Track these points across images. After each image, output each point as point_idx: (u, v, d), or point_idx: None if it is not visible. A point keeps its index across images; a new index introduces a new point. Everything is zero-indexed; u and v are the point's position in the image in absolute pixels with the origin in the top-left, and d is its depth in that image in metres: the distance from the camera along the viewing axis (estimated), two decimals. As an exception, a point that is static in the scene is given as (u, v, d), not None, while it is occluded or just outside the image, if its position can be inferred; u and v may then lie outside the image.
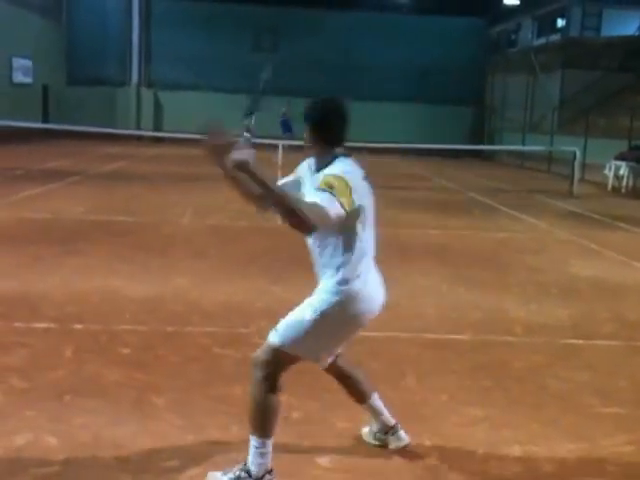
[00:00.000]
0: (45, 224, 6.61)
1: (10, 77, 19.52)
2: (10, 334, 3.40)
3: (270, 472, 2.06)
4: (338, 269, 1.98)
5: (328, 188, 1.85)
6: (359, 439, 2.44)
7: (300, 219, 1.75)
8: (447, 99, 23.24)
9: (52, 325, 3.56)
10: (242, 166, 1.76)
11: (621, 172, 12.83)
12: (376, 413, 2.36)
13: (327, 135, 2.00)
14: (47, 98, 21.88)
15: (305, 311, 2.00)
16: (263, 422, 2.02)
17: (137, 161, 14.75)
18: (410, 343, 3.59)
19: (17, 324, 3.55)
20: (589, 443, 2.53)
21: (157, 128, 22.48)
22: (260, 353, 2.04)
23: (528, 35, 23.05)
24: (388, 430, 2.37)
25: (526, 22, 23.22)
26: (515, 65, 22.15)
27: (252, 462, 2.05)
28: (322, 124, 1.99)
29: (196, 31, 22.85)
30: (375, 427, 2.39)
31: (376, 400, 2.35)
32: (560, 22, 21.60)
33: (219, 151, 1.83)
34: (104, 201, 8.36)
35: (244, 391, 2.31)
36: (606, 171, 13.23)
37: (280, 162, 9.87)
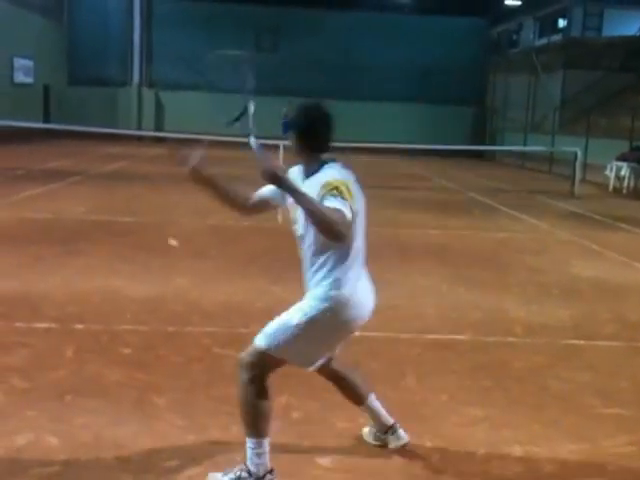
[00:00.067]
0: (46, 224, 6.62)
1: (11, 77, 19.55)
2: (11, 334, 3.40)
3: (271, 472, 2.07)
4: (329, 275, 1.99)
5: (338, 193, 1.86)
6: (359, 439, 2.44)
7: (330, 226, 1.78)
8: (448, 99, 23.23)
9: (53, 325, 3.57)
10: (275, 179, 1.77)
11: (622, 173, 12.81)
12: (374, 413, 2.36)
13: (313, 143, 2.01)
14: (48, 98, 21.90)
15: (294, 316, 2.00)
16: (255, 424, 2.03)
17: (138, 161, 14.77)
18: (410, 343, 3.59)
19: (18, 324, 3.55)
20: (590, 444, 2.53)
21: (158, 128, 22.50)
22: (246, 355, 2.04)
23: (529, 35, 23.04)
24: (387, 430, 2.37)
25: (527, 22, 23.21)
26: (516, 65, 22.15)
27: (250, 463, 2.05)
28: (308, 132, 2.00)
29: (197, 31, 22.86)
30: (374, 427, 2.39)
31: (373, 401, 2.35)
32: (562, 22, 21.60)
33: (186, 164, 1.98)
34: (105, 201, 8.37)
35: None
36: (607, 172, 13.22)
37: (281, 162, 9.88)
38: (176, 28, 22.91)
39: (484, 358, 3.42)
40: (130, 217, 7.26)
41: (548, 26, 22.11)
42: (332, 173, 1.96)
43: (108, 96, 22.77)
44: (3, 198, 7.88)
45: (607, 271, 5.72)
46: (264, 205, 2.20)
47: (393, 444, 2.37)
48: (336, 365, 2.27)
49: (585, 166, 13.34)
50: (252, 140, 1.94)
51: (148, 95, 23.61)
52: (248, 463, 2.06)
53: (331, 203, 1.82)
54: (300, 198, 1.80)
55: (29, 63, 20.46)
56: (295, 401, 2.71)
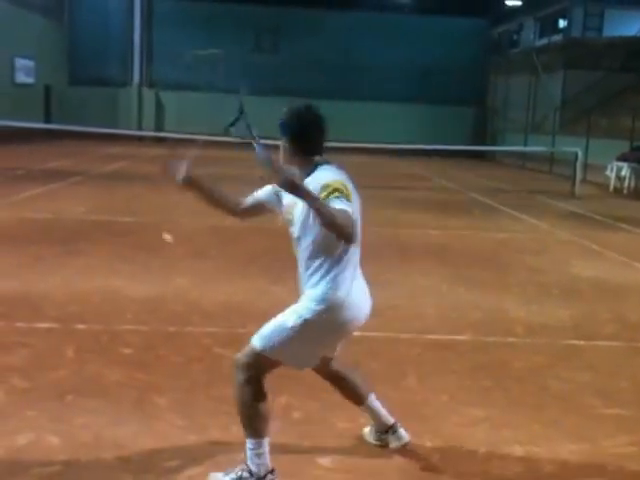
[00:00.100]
0: (46, 224, 6.63)
1: (12, 77, 19.56)
2: (11, 334, 3.40)
3: (272, 472, 2.07)
4: (324, 277, 1.99)
5: (340, 194, 1.86)
6: (360, 439, 2.45)
7: (343, 229, 1.78)
8: (448, 99, 23.22)
9: (53, 325, 3.57)
10: (294, 187, 1.78)
11: (623, 173, 12.81)
12: (374, 413, 2.36)
13: (306, 146, 2.01)
14: (49, 98, 21.91)
15: (289, 318, 2.01)
16: (253, 424, 2.03)
17: (138, 161, 14.77)
18: (410, 343, 3.59)
19: (18, 324, 3.56)
20: (590, 444, 2.53)
21: (159, 128, 22.51)
22: (241, 356, 2.05)
23: (530, 36, 23.04)
24: (388, 429, 2.37)
25: (528, 23, 23.21)
26: (517, 65, 22.14)
27: (251, 463, 2.06)
28: (301, 135, 2.00)
29: (197, 31, 22.85)
30: (375, 427, 2.40)
31: (373, 401, 2.35)
32: (562, 22, 21.59)
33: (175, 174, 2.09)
34: (105, 201, 8.37)
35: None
36: (608, 172, 13.22)
37: (282, 163, 9.87)
38: (177, 28, 22.90)
39: (484, 358, 3.42)
40: (130, 217, 7.26)
41: (549, 26, 22.11)
42: (328, 175, 1.95)
43: (109, 96, 22.78)
44: (3, 198, 7.88)
45: (607, 271, 5.72)
46: (259, 209, 2.22)
47: (394, 444, 2.37)
48: (336, 365, 2.27)
49: (586, 166, 13.33)
50: (258, 149, 1.94)
51: (148, 95, 23.61)
52: (249, 463, 2.06)
53: (337, 206, 1.82)
54: (315, 203, 1.80)
55: (30, 63, 20.46)
56: (295, 401, 2.71)
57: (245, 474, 2.06)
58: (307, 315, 1.98)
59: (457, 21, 23.39)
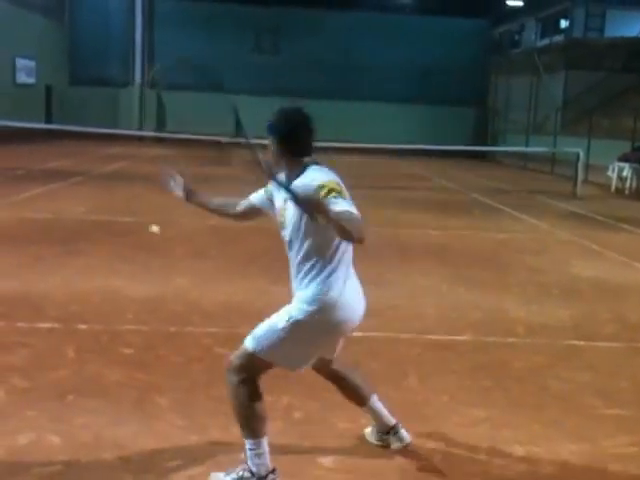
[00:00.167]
0: (46, 224, 6.63)
1: (13, 77, 19.58)
2: (12, 334, 3.41)
3: (273, 472, 2.07)
4: (316, 278, 1.99)
5: (337, 194, 1.86)
6: (361, 439, 2.45)
7: (358, 235, 1.79)
8: (450, 100, 23.22)
9: (54, 325, 3.57)
10: (320, 209, 1.80)
11: (624, 173, 12.80)
12: (376, 414, 2.36)
13: (295, 147, 2.02)
14: (50, 98, 21.93)
15: (281, 319, 2.01)
16: (250, 425, 2.03)
17: (139, 161, 14.78)
18: (410, 343, 3.59)
19: (19, 324, 3.56)
20: (591, 444, 2.53)
21: (160, 128, 22.52)
22: (234, 358, 2.05)
23: (531, 36, 23.03)
24: (389, 430, 2.37)
25: (529, 23, 23.20)
26: (518, 66, 22.13)
27: (251, 463, 2.06)
28: (289, 137, 2.00)
29: (198, 31, 22.90)
30: (376, 428, 2.40)
31: (376, 402, 2.35)
32: (564, 23, 21.58)
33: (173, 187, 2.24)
34: (106, 201, 8.38)
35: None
36: (609, 172, 13.20)
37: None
38: (178, 28, 22.94)
39: (484, 358, 3.42)
40: (130, 217, 7.27)
41: (550, 27, 22.10)
42: (319, 175, 1.95)
43: (109, 96, 22.79)
44: (4, 198, 7.89)
45: (607, 271, 5.71)
46: (254, 212, 2.27)
47: (395, 445, 2.37)
48: (337, 366, 2.27)
49: (587, 167, 13.31)
50: (265, 163, 1.98)
51: (150, 95, 23.63)
52: (249, 463, 2.06)
53: (338, 207, 1.82)
54: (334, 216, 1.80)
55: (31, 63, 20.48)
56: (296, 401, 2.71)
57: (246, 474, 2.07)
58: (299, 316, 1.98)
59: (458, 21, 23.39)
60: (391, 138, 18.38)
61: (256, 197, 2.24)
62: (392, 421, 2.36)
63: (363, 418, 2.47)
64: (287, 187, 1.89)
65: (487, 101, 24.30)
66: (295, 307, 2.01)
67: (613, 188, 12.97)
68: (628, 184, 12.71)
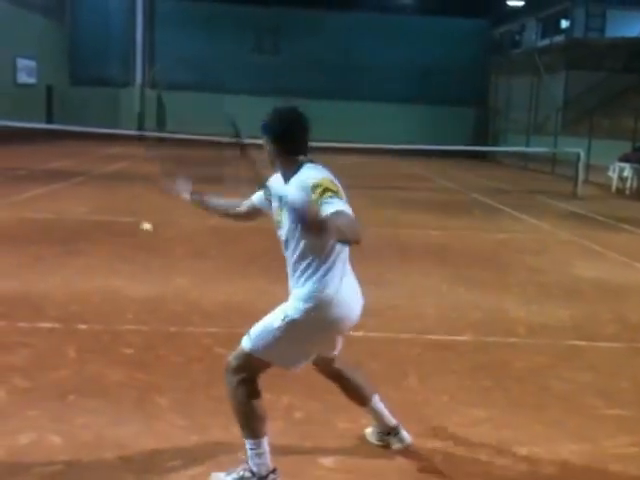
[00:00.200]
0: (48, 224, 6.63)
1: (14, 77, 19.59)
2: (13, 334, 3.41)
3: (274, 471, 2.07)
4: (311, 276, 1.99)
5: (333, 193, 1.85)
6: (361, 439, 2.45)
7: (354, 237, 1.80)
8: (450, 100, 23.22)
9: (54, 325, 3.57)
10: (323, 226, 1.81)
11: (625, 174, 12.79)
12: (377, 415, 2.36)
13: (290, 146, 2.02)
14: (51, 98, 21.95)
15: (276, 318, 2.01)
16: (250, 425, 2.03)
17: (140, 161, 14.78)
18: (411, 343, 3.59)
19: (19, 324, 3.56)
20: (591, 444, 2.53)
21: (160, 128, 22.53)
22: (232, 358, 2.05)
23: (532, 36, 23.02)
24: (390, 431, 2.37)
25: (530, 23, 23.19)
26: (519, 66, 22.13)
27: (252, 463, 2.06)
28: (284, 136, 2.00)
29: (199, 32, 22.91)
30: (377, 428, 2.40)
31: (377, 402, 2.35)
32: (564, 23, 21.57)
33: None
34: (106, 201, 8.38)
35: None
36: (610, 172, 13.20)
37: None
38: (179, 29, 22.96)
39: (484, 358, 3.42)
40: (131, 217, 7.26)
41: (551, 27, 22.09)
42: (314, 173, 1.95)
43: (110, 96, 22.80)
44: (5, 198, 7.90)
45: (608, 272, 5.71)
46: (256, 212, 2.31)
47: (395, 445, 2.37)
48: (339, 365, 2.27)
49: (588, 167, 13.30)
50: (266, 189, 2.05)
51: (150, 95, 23.64)
52: (250, 463, 2.06)
53: (333, 208, 1.82)
54: (329, 225, 1.81)
55: (32, 63, 20.50)
56: (297, 402, 2.71)
57: (247, 474, 2.07)
58: (294, 315, 1.98)
59: (458, 21, 23.38)
60: (391, 138, 18.39)
61: (256, 197, 2.26)
62: (393, 422, 2.36)
63: (364, 418, 2.47)
64: (284, 198, 1.90)
65: (488, 101, 24.29)
66: (291, 306, 2.01)
67: (614, 188, 12.96)
68: (629, 184, 12.70)
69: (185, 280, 4.64)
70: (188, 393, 2.80)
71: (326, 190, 1.86)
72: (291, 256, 2.03)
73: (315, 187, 1.87)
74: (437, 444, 2.46)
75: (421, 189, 12.13)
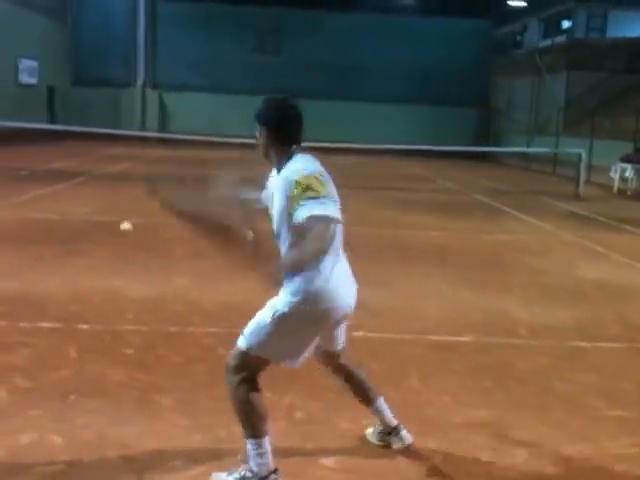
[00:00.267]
0: (49, 225, 6.64)
1: (16, 78, 19.63)
2: (14, 334, 3.41)
3: (275, 472, 2.06)
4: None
5: (313, 193, 1.85)
6: (363, 440, 2.44)
7: (318, 255, 1.84)
8: (451, 100, 23.21)
9: (55, 325, 3.57)
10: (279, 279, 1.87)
11: (627, 174, 12.76)
12: (380, 415, 2.36)
13: (284, 136, 2.01)
14: (53, 99, 21.99)
15: (267, 313, 2.01)
16: (252, 424, 2.03)
17: (141, 162, 14.80)
18: (412, 344, 3.58)
19: (21, 324, 3.56)
20: (594, 445, 2.52)
21: (162, 129, 22.57)
22: (230, 358, 2.05)
23: (534, 36, 23.00)
24: (391, 431, 2.37)
25: (532, 23, 23.16)
26: (520, 66, 22.11)
27: (253, 463, 2.05)
28: (278, 126, 2.00)
29: (201, 32, 22.94)
30: (378, 428, 2.39)
31: (382, 403, 2.35)
32: (566, 23, 21.55)
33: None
34: (109, 202, 8.39)
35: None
36: (611, 173, 13.17)
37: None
38: (180, 29, 23.00)
39: (486, 359, 3.41)
40: (133, 218, 7.26)
41: (552, 27, 22.07)
42: (300, 166, 1.94)
43: (112, 97, 22.84)
44: (8, 198, 7.91)
45: (611, 273, 5.70)
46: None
47: (396, 445, 2.37)
48: (345, 360, 2.27)
49: (590, 167, 13.28)
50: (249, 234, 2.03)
51: (152, 96, 23.67)
52: (251, 463, 2.06)
53: (308, 212, 1.83)
54: (288, 266, 1.89)
55: (33, 64, 20.53)
56: (298, 402, 2.70)
57: (248, 474, 2.06)
58: (284, 309, 1.98)
59: (460, 22, 23.38)
60: (392, 139, 18.39)
61: (264, 194, 2.24)
62: (394, 422, 2.36)
63: (365, 419, 2.46)
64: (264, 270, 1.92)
65: (489, 102, 24.27)
66: (280, 300, 2.01)
67: (615, 189, 12.93)
68: (630, 185, 12.67)
69: (185, 280, 4.63)
70: (189, 393, 2.79)
71: (307, 189, 1.86)
72: (282, 248, 2.03)
73: (297, 184, 1.87)
74: (438, 444, 2.45)
75: (422, 190, 12.12)
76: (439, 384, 3.02)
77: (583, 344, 3.76)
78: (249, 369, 2.02)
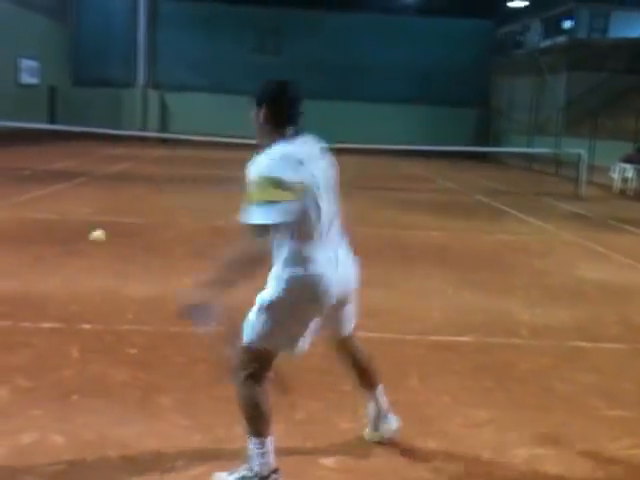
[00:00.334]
0: (50, 225, 6.65)
1: (17, 78, 19.64)
2: (16, 334, 3.42)
3: (276, 471, 2.07)
4: (283, 256, 2.00)
5: (260, 200, 1.86)
6: (363, 440, 2.44)
7: (252, 265, 1.88)
8: (452, 101, 23.20)
9: (56, 325, 3.58)
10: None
11: (627, 174, 12.75)
12: (377, 400, 2.37)
13: (278, 115, 1.99)
14: (54, 99, 22.00)
15: (258, 304, 2.03)
16: (256, 423, 2.03)
17: (142, 162, 14.81)
18: (412, 344, 3.58)
19: (22, 324, 3.57)
20: (594, 445, 2.52)
21: (163, 129, 22.58)
22: (235, 357, 2.06)
23: (535, 37, 22.99)
24: (380, 415, 2.38)
25: (534, 24, 23.16)
26: (521, 67, 22.10)
27: (255, 463, 2.06)
28: (273, 102, 1.99)
29: (201, 32, 22.95)
30: (371, 415, 2.40)
31: (381, 388, 2.37)
32: (567, 24, 21.54)
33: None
34: (109, 202, 8.39)
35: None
36: (611, 173, 13.16)
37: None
38: (181, 30, 23.01)
39: (487, 359, 3.41)
40: (133, 218, 7.29)
41: (553, 27, 22.06)
42: (265, 162, 1.91)
43: (113, 97, 22.85)
44: (8, 198, 7.92)
45: (612, 273, 5.69)
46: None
47: (383, 428, 2.37)
48: (355, 344, 2.29)
49: (591, 168, 13.28)
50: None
51: (153, 96, 23.68)
52: (253, 463, 2.06)
53: (249, 219, 1.86)
54: (222, 282, 1.92)
55: (34, 64, 20.54)
56: (299, 402, 2.71)
57: (249, 473, 2.07)
58: (272, 297, 1.99)
59: (460, 22, 23.36)
60: (393, 139, 18.40)
61: None
62: (385, 407, 2.38)
63: (365, 418, 2.46)
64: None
65: (490, 102, 24.26)
66: (267, 290, 2.03)
67: (616, 189, 12.93)
68: (631, 185, 12.66)
69: (187, 280, 4.63)
70: (191, 393, 2.80)
71: (259, 193, 1.86)
72: (272, 245, 2.04)
73: (252, 184, 1.88)
74: (438, 444, 2.45)
75: (422, 190, 12.12)
76: (439, 384, 3.03)
77: (584, 344, 3.76)
78: (252, 363, 2.02)
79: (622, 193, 12.71)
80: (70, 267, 4.88)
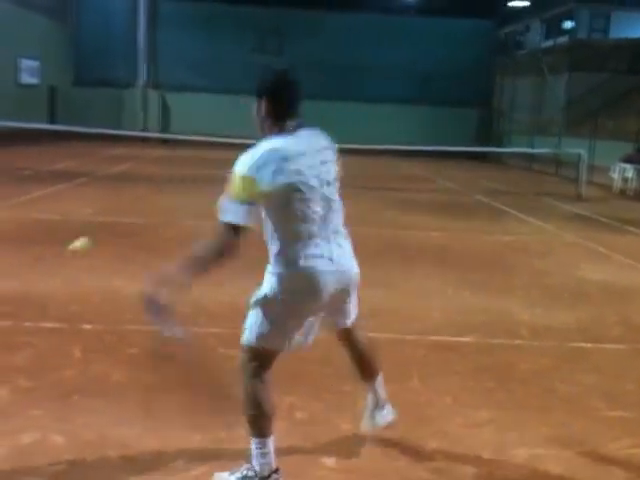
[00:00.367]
0: (51, 225, 6.65)
1: (17, 78, 19.65)
2: (16, 334, 3.42)
3: (276, 471, 2.07)
4: (274, 253, 2.00)
5: (232, 196, 1.87)
6: (363, 440, 2.44)
7: (221, 259, 1.89)
8: (453, 101, 23.20)
9: (56, 325, 3.58)
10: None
11: (627, 174, 12.75)
12: (376, 390, 2.37)
13: (278, 107, 1.98)
14: (54, 99, 22.01)
15: (254, 303, 2.03)
16: (258, 423, 2.03)
17: (143, 162, 14.81)
18: (413, 345, 3.58)
19: (23, 324, 3.57)
20: (595, 446, 2.52)
21: (164, 129, 22.59)
22: (240, 356, 2.07)
23: (536, 37, 22.99)
24: (376, 406, 2.38)
25: (534, 24, 23.16)
26: (523, 67, 22.10)
27: (256, 463, 2.06)
28: (273, 93, 1.98)
29: (202, 32, 22.95)
30: (369, 406, 2.39)
31: (380, 378, 2.37)
32: (568, 24, 21.54)
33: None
34: (110, 202, 8.40)
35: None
36: (611, 173, 13.16)
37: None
38: (181, 30, 23.01)
39: (488, 360, 3.41)
40: (134, 218, 7.29)
41: (554, 28, 22.06)
42: (249, 157, 1.90)
43: (113, 97, 22.85)
44: (9, 199, 7.92)
45: (613, 274, 5.69)
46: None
47: (378, 418, 2.37)
48: (357, 335, 2.29)
49: (592, 168, 13.27)
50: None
51: (153, 96, 23.69)
52: (254, 463, 2.06)
53: (220, 215, 1.87)
54: (188, 274, 1.91)
55: (34, 64, 20.55)
56: (299, 402, 2.71)
57: (250, 473, 2.07)
58: (266, 295, 1.99)
59: (461, 22, 23.35)
60: (394, 139, 18.38)
61: None
62: (383, 398, 2.37)
63: (364, 414, 2.46)
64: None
65: (491, 102, 24.25)
66: (262, 288, 2.03)
67: (617, 189, 12.92)
68: (631, 185, 12.66)
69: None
70: (191, 393, 2.79)
71: (233, 190, 1.87)
72: (265, 236, 2.05)
73: (230, 179, 1.89)
74: (439, 444, 2.45)
75: (422, 190, 12.12)
76: (440, 385, 3.02)
77: (585, 345, 3.76)
78: (252, 363, 2.02)
79: (622, 193, 12.70)
80: (70, 267, 4.89)
